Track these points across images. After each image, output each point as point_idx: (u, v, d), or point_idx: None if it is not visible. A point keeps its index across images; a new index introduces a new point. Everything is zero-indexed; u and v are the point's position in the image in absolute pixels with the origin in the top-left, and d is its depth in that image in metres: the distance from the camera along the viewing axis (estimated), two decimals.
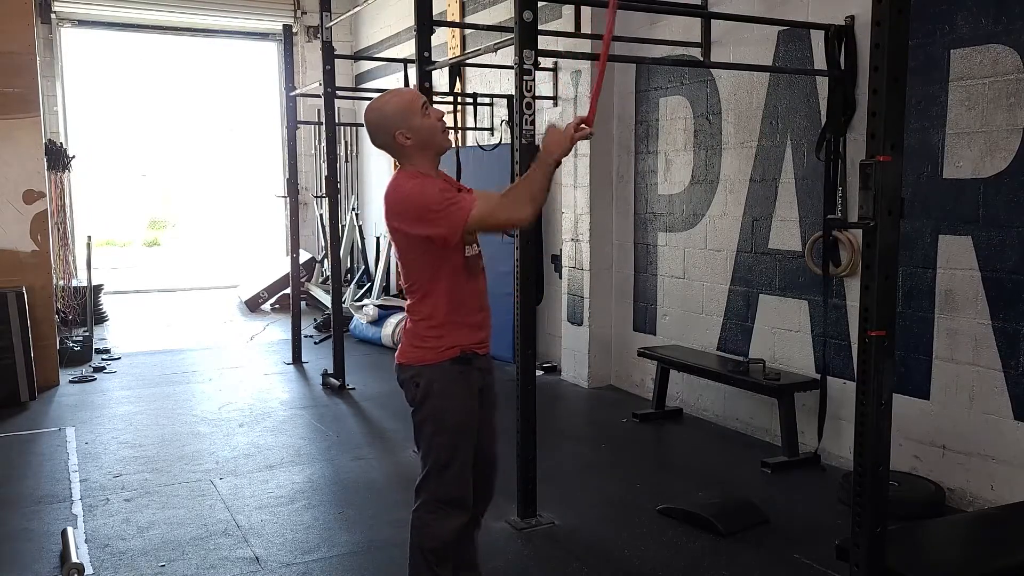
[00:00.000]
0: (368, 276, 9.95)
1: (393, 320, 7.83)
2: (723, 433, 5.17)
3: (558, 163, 2.56)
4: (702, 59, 5.17)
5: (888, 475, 2.56)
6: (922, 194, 3.96)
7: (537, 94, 3.82)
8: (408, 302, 2.70)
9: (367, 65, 10.32)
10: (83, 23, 10.40)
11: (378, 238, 9.86)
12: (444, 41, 7.97)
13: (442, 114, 2.65)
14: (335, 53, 6.12)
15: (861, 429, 2.52)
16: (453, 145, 2.72)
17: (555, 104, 6.55)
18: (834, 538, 2.94)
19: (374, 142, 2.66)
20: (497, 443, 2.89)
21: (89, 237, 7.79)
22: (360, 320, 8.21)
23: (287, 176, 7.45)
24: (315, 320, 8.94)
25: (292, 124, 7.27)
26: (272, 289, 10.27)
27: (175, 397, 6.12)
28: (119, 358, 7.39)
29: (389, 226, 2.61)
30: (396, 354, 2.73)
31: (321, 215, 10.54)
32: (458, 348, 2.63)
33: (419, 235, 2.51)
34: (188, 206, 22.97)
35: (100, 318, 9.02)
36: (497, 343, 7.60)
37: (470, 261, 2.64)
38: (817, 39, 4.46)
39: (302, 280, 8.66)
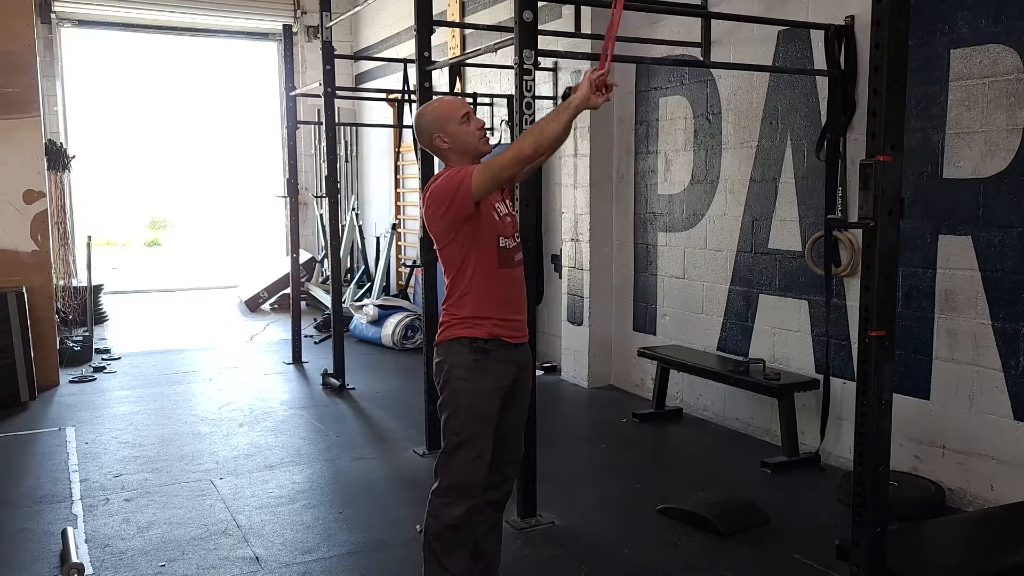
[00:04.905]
0: (368, 276, 9.95)
1: (393, 320, 7.83)
2: (723, 433, 5.17)
3: (577, 110, 2.62)
4: (702, 59, 5.17)
5: (888, 475, 2.57)
6: (922, 194, 3.96)
7: (537, 94, 3.82)
8: (445, 295, 2.83)
9: (367, 65, 10.32)
10: (83, 23, 10.40)
11: (378, 238, 9.86)
12: (444, 41, 7.96)
13: (483, 123, 2.86)
14: (335, 53, 6.11)
15: (861, 429, 2.52)
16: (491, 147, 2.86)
17: (555, 104, 6.55)
18: (834, 538, 2.94)
19: (420, 143, 2.90)
20: (522, 440, 3.01)
21: (89, 237, 7.78)
22: (360, 320, 8.21)
23: (287, 176, 7.45)
24: (315, 320, 8.94)
25: (292, 124, 7.28)
26: (272, 289, 10.27)
27: (175, 397, 6.12)
28: (119, 358, 7.39)
29: (429, 221, 2.77)
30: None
31: (321, 215, 10.53)
32: (482, 330, 2.73)
33: (450, 215, 2.66)
34: (188, 206, 22.97)
35: (100, 318, 9.02)
36: None
37: (503, 252, 2.77)
38: (817, 39, 4.46)
39: (302, 280, 8.66)
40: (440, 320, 2.85)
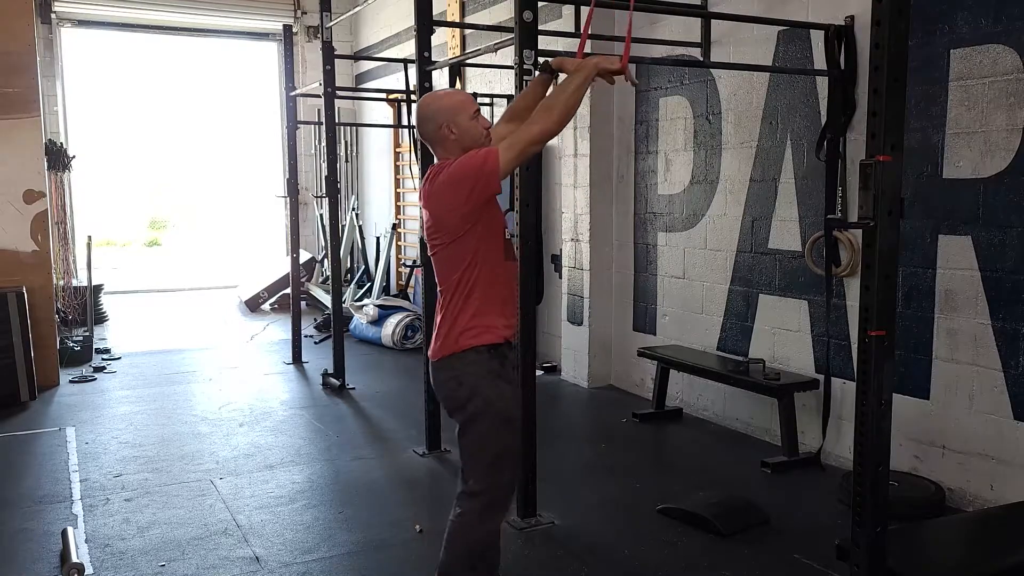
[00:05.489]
0: (368, 276, 9.95)
1: (393, 320, 7.83)
2: (723, 433, 5.17)
3: (588, 79, 2.69)
4: (702, 59, 5.17)
5: (888, 475, 2.57)
6: (922, 194, 3.96)
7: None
8: (443, 300, 2.72)
9: (367, 65, 10.32)
10: (83, 23, 10.39)
11: (378, 238, 9.86)
12: (444, 41, 7.97)
13: (489, 124, 2.78)
14: (335, 53, 6.11)
15: (861, 429, 2.52)
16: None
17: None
18: (834, 538, 2.94)
19: (420, 129, 2.73)
20: None
21: (89, 237, 7.79)
22: (360, 320, 8.21)
23: (287, 176, 7.45)
24: (315, 320, 8.94)
25: (292, 124, 7.28)
26: (272, 289, 10.27)
27: (175, 397, 6.13)
28: (119, 358, 7.39)
29: (445, 211, 2.62)
30: (430, 353, 2.77)
31: (321, 215, 10.54)
32: (496, 335, 2.67)
33: (475, 199, 2.56)
34: (188, 206, 22.97)
35: (100, 318, 9.02)
36: None
37: (508, 244, 2.72)
38: (817, 39, 4.46)
39: (302, 280, 8.66)
40: (440, 329, 2.70)
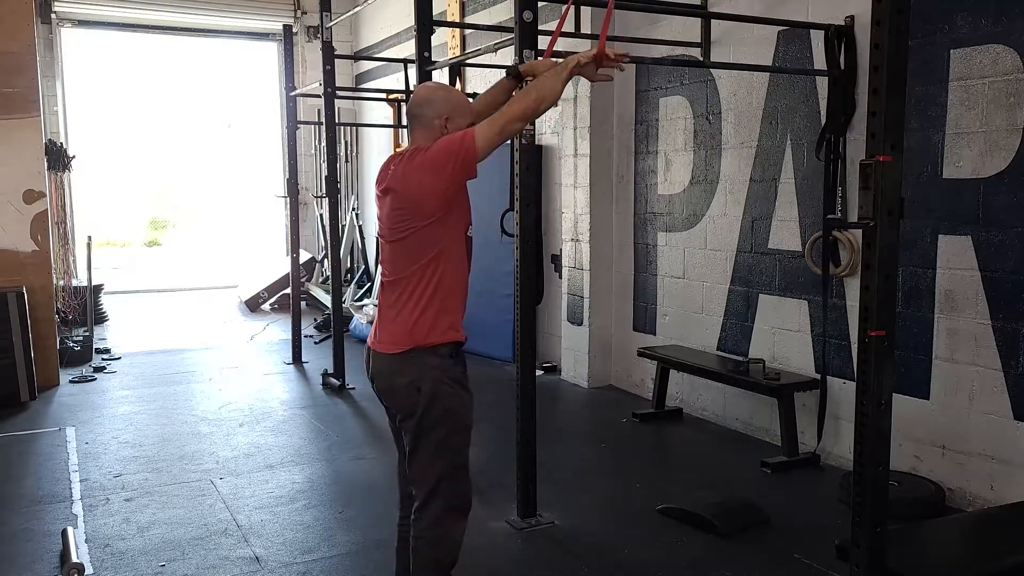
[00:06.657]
0: (368, 276, 9.95)
1: None
2: (723, 433, 5.17)
3: (573, 71, 2.69)
4: (702, 59, 5.17)
5: (888, 475, 2.57)
6: (922, 194, 3.96)
7: None
8: (396, 291, 2.59)
9: (367, 65, 10.32)
10: (83, 23, 10.40)
11: (378, 238, 9.85)
12: (444, 41, 7.97)
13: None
14: (335, 53, 6.12)
15: (861, 429, 2.52)
16: None
17: (555, 104, 6.53)
18: (834, 538, 2.94)
19: (417, 108, 2.64)
20: None
21: (89, 237, 7.79)
22: (360, 320, 8.21)
23: (287, 176, 7.45)
24: (315, 320, 8.94)
25: (292, 124, 7.28)
26: (272, 289, 10.28)
27: (175, 397, 6.13)
28: (119, 358, 7.39)
29: (424, 192, 2.51)
30: (376, 346, 2.64)
31: (321, 215, 10.54)
32: (456, 334, 2.60)
33: (453, 179, 2.48)
34: (189, 206, 22.96)
35: (100, 318, 9.02)
36: (497, 343, 7.52)
37: (469, 242, 2.66)
38: (817, 39, 4.46)
39: (302, 280, 8.66)
40: (396, 322, 2.57)
